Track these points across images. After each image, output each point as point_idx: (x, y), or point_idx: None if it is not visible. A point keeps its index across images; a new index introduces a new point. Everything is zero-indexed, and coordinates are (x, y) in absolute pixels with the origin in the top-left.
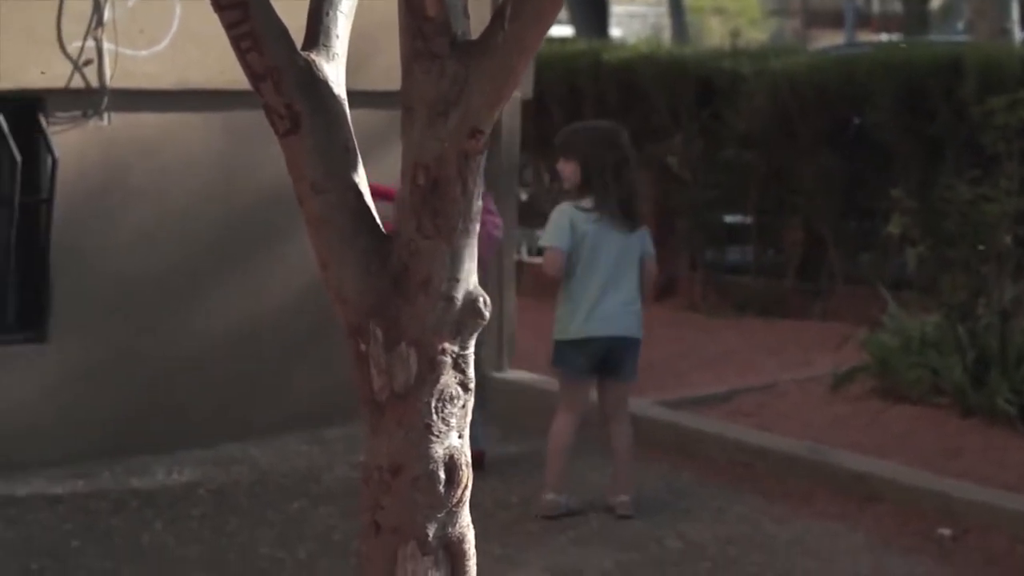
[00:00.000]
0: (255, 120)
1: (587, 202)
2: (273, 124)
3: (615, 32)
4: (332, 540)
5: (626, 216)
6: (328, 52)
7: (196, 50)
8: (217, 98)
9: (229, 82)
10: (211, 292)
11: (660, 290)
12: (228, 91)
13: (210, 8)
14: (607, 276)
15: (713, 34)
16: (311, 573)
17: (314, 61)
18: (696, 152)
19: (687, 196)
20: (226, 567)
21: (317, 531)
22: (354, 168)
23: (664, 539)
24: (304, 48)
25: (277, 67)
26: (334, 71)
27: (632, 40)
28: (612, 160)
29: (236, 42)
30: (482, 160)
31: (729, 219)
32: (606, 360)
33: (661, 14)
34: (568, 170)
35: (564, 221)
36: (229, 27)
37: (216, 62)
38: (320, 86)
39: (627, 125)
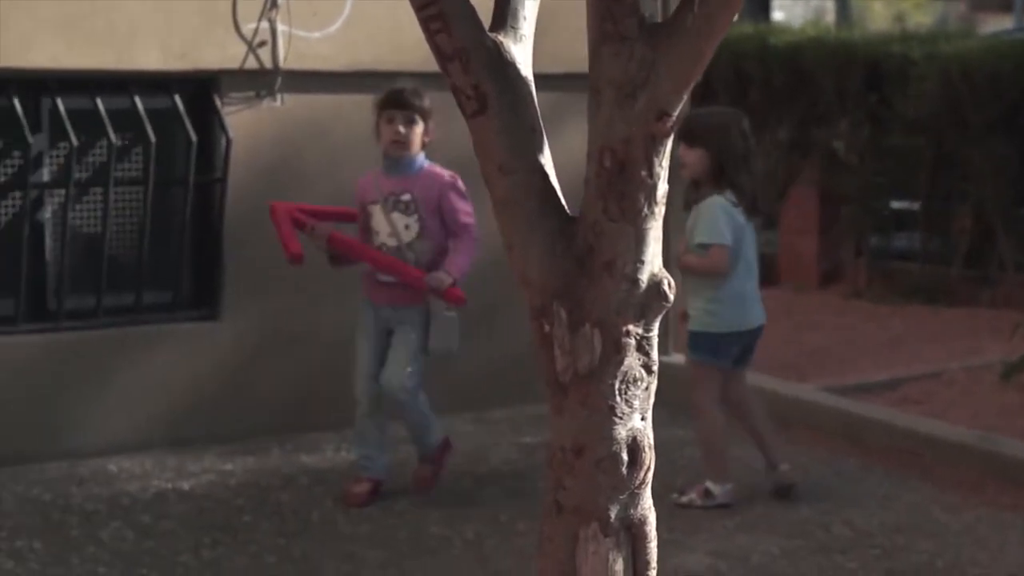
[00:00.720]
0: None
1: (730, 194)
2: (461, 105)
3: (777, 15)
4: (499, 520)
5: (755, 206)
6: (515, 33)
7: (368, 31)
8: (388, 79)
9: (400, 63)
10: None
11: (825, 276)
12: (398, 72)
13: None
14: (753, 267)
15: (877, 17)
16: (479, 552)
17: (502, 42)
18: (863, 137)
19: (853, 182)
20: (396, 545)
21: (484, 511)
22: (540, 149)
23: (831, 526)
24: (492, 29)
25: (465, 48)
26: (521, 52)
27: (794, 23)
28: (743, 149)
29: (425, 23)
30: (668, 143)
31: (896, 205)
32: (749, 348)
33: None
34: (693, 158)
35: (723, 216)
36: (419, 8)
37: (387, 43)
38: (507, 67)
39: (793, 109)
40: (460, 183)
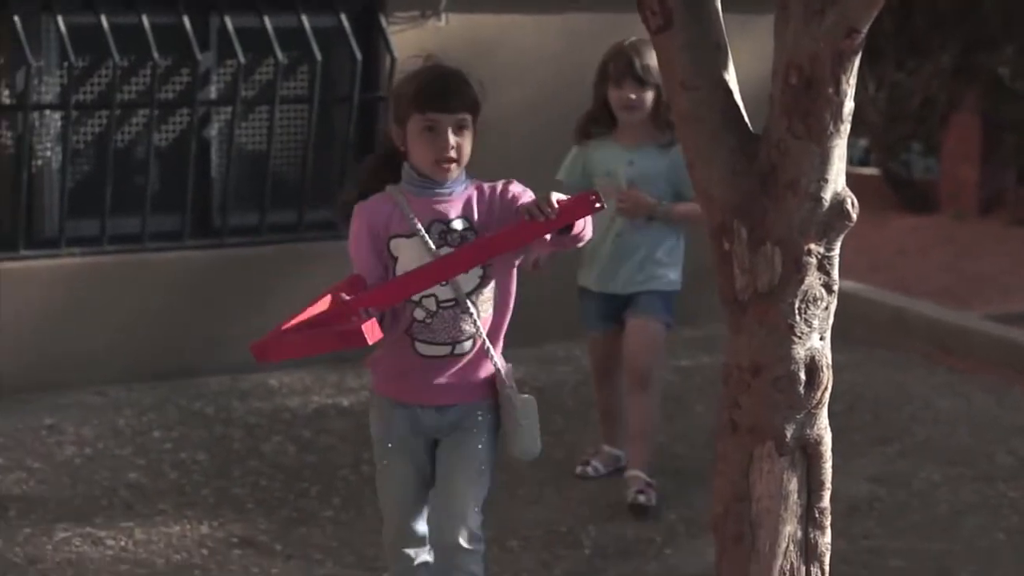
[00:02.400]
0: (591, 22)
1: None
2: (646, 20)
3: None
4: (657, 443)
5: None
6: None
7: None
8: (552, 0)
9: None
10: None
11: (985, 203)
12: None
13: None
14: None
15: None
16: None
17: None
18: None
19: (1018, 108)
20: (554, 467)
21: None
22: (724, 66)
23: (995, 455)
24: None
25: None
26: None
27: None
28: None
29: None
30: (856, 60)
31: None
32: None
33: None
34: (646, 99)
35: None
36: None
37: None
38: None
39: (957, 34)
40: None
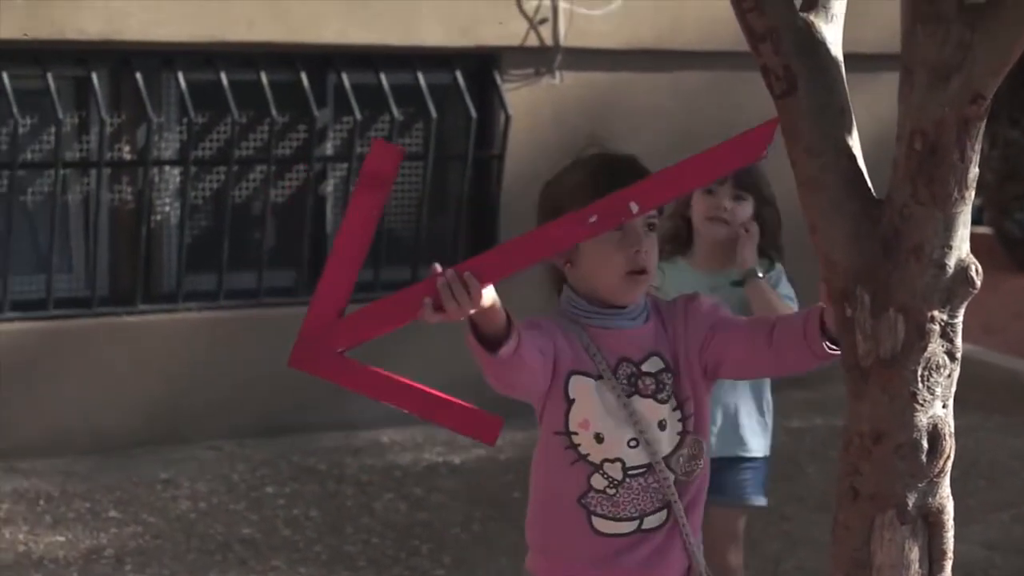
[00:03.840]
0: (704, 81)
1: None
2: (769, 85)
3: None
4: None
5: None
6: (827, 13)
7: (648, 9)
8: (666, 58)
9: (679, 42)
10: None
11: None
12: (678, 51)
13: None
14: None
15: None
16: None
17: (813, 22)
18: None
19: None
20: None
21: None
22: (848, 130)
23: None
24: (803, 9)
25: (777, 28)
26: (832, 32)
27: None
28: None
29: (737, 2)
30: (981, 126)
31: None
32: None
33: None
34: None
35: None
36: None
37: (668, 21)
38: (818, 47)
39: None
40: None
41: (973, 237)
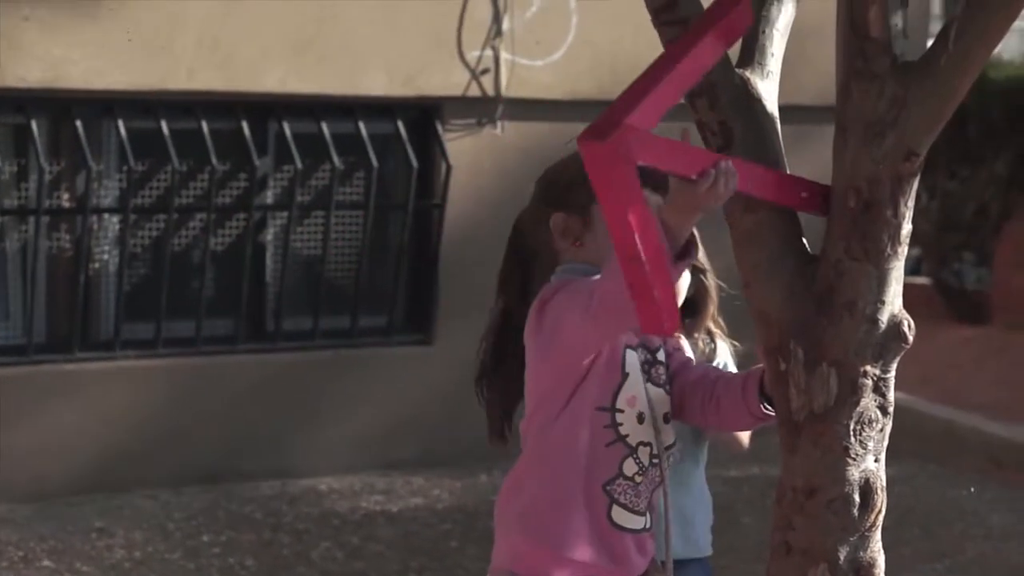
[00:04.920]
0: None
1: None
2: (705, 140)
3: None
4: None
5: None
6: (763, 70)
7: (589, 61)
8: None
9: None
10: None
11: None
12: None
13: (604, 19)
14: None
15: None
16: None
17: (749, 79)
18: None
19: None
20: None
21: None
22: None
23: None
24: (739, 65)
25: (713, 84)
26: (768, 88)
27: (1008, 56)
28: None
29: None
30: (915, 182)
31: None
32: None
33: None
34: None
35: None
36: (669, 44)
37: (608, 73)
38: (754, 104)
39: (1010, 144)
40: None
41: (911, 287)
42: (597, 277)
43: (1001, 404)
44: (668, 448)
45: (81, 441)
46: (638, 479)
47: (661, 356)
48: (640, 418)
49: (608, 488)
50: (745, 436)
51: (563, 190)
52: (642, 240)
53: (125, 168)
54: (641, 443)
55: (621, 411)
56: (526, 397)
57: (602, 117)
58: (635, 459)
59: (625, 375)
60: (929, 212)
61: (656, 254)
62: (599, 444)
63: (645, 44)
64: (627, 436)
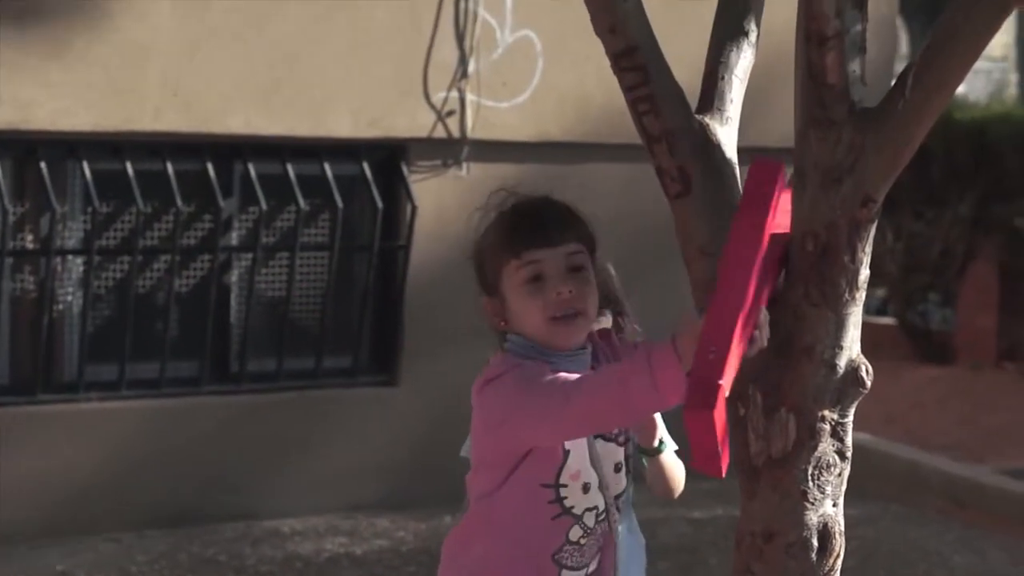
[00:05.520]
0: (610, 173)
1: None
2: (664, 186)
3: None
4: None
5: None
6: (722, 115)
7: (554, 102)
8: (573, 150)
9: (585, 135)
10: None
11: (1003, 354)
12: (584, 144)
13: (570, 62)
14: None
15: None
16: None
17: (708, 124)
18: None
19: None
20: None
21: None
22: None
23: None
24: (698, 111)
25: (672, 130)
26: (727, 134)
27: (974, 97)
28: None
29: (633, 104)
30: (872, 228)
31: None
32: None
33: (1006, 70)
34: None
35: None
36: (628, 89)
37: (574, 114)
38: (713, 149)
39: (975, 185)
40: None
41: (877, 327)
42: (551, 376)
43: (964, 444)
44: (618, 496)
45: (44, 483)
46: (583, 541)
47: None
48: (585, 488)
49: (556, 557)
50: (678, 483)
51: (481, 277)
52: (722, 447)
53: (90, 209)
54: (587, 509)
55: (565, 486)
56: (471, 448)
57: (697, 374)
58: (580, 525)
59: (566, 452)
60: (895, 253)
61: (724, 444)
62: (545, 518)
63: (610, 86)
64: (572, 507)
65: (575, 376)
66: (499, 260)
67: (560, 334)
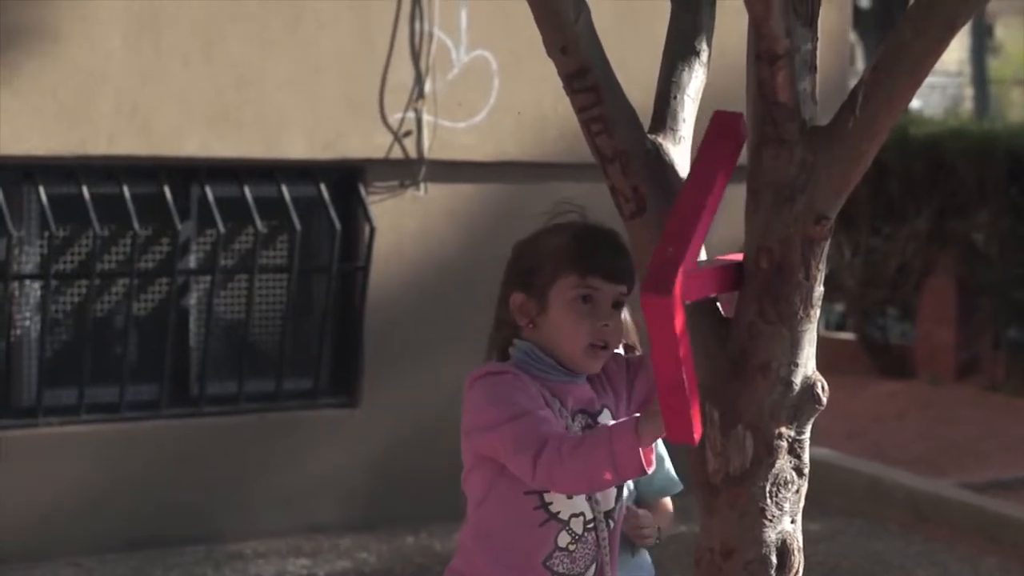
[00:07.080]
0: (569, 193)
1: None
2: (619, 206)
3: (913, 103)
4: None
5: None
6: (675, 135)
7: (512, 122)
8: (531, 170)
9: (543, 155)
10: None
11: (962, 368)
12: (542, 163)
13: (527, 82)
14: None
15: (1015, 106)
16: None
17: (661, 144)
18: (1003, 229)
19: (992, 273)
20: None
21: None
22: None
23: None
24: (651, 131)
25: (626, 150)
26: (680, 154)
27: (930, 112)
28: None
29: (586, 125)
30: (826, 245)
31: None
32: None
33: (961, 85)
34: None
35: None
36: (581, 110)
37: (531, 134)
38: (666, 169)
39: (932, 200)
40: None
41: (836, 342)
42: (538, 417)
43: (925, 458)
44: (608, 513)
45: (3, 508)
46: (572, 548)
47: (604, 417)
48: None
49: (547, 563)
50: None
51: (525, 273)
52: (686, 370)
53: (46, 234)
54: (573, 515)
55: (548, 491)
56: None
57: (656, 266)
58: (568, 531)
59: None
60: (853, 268)
61: (692, 381)
62: (532, 525)
63: (566, 106)
64: (558, 513)
65: (558, 432)
66: (560, 269)
67: (592, 362)
